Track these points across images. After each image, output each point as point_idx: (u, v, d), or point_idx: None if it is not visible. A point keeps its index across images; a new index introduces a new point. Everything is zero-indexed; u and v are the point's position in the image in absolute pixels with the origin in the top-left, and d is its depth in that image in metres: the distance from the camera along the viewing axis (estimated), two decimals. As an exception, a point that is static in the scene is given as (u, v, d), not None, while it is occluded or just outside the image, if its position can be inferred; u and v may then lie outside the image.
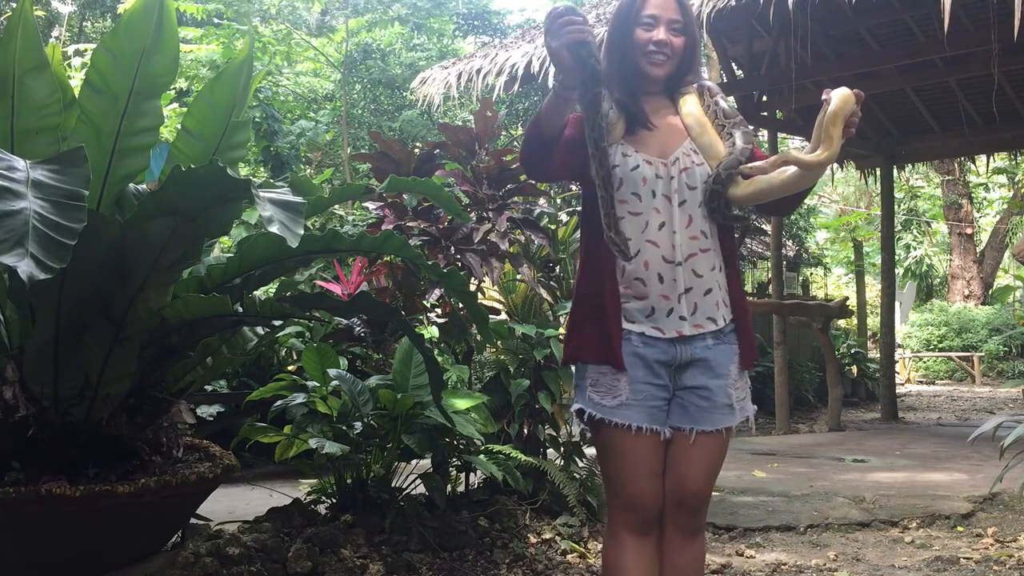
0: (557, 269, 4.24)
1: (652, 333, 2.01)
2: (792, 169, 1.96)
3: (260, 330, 3.17)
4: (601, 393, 2.03)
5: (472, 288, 3.50)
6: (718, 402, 2.03)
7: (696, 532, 2.10)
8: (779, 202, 2.08)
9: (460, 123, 9.42)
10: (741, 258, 13.72)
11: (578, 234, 3.84)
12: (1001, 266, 20.50)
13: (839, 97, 1.89)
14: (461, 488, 3.82)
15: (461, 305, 3.40)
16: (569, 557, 3.44)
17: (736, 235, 2.17)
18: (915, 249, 20.57)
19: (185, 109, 3.82)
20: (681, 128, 2.09)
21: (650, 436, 2.02)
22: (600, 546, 3.46)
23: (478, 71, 7.28)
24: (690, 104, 2.12)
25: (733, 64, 8.13)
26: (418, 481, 3.50)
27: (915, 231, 21.15)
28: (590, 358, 2.04)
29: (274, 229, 2.00)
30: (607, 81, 2.04)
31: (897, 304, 12.23)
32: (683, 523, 2.07)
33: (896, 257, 11.81)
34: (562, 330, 3.66)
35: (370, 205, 3.77)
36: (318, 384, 3.36)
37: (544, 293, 3.90)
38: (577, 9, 1.92)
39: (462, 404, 3.33)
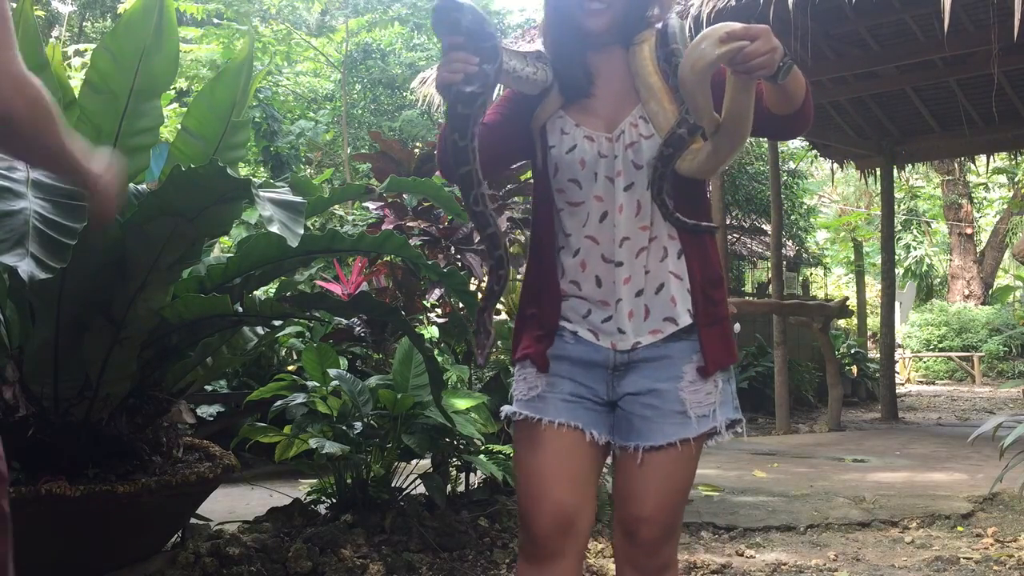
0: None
1: (586, 336, 1.67)
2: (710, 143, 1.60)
3: (260, 330, 3.17)
4: (523, 389, 1.71)
5: (472, 288, 3.50)
6: (666, 409, 1.63)
7: (658, 571, 1.67)
8: (778, 127, 1.66)
9: (460, 123, 9.40)
10: (741, 258, 13.72)
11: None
12: (1001, 266, 20.51)
13: (689, 46, 1.46)
14: (461, 488, 3.82)
15: (461, 305, 3.40)
16: (569, 557, 3.44)
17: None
18: (915, 249, 20.58)
19: (185, 109, 3.82)
20: (634, 90, 1.68)
21: (567, 433, 1.64)
22: (600, 545, 3.46)
23: (478, 71, 7.26)
24: (640, 57, 1.68)
25: (733, 64, 8.12)
26: (418, 481, 3.50)
27: (915, 231, 21.15)
28: (518, 356, 1.73)
29: (274, 229, 2.00)
30: (544, 39, 1.72)
31: (897, 304, 12.24)
32: (638, 560, 1.67)
33: (896, 257, 11.82)
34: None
35: (370, 205, 3.77)
36: (318, 384, 3.36)
37: (544, 293, 3.89)
38: (473, 10, 1.49)
39: (462, 404, 3.33)
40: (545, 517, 1.61)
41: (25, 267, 1.71)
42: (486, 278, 1.73)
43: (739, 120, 1.53)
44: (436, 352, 3.68)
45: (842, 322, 12.25)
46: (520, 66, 1.62)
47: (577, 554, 1.64)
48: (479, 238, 1.74)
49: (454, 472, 3.78)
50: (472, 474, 3.86)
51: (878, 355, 10.00)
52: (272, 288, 3.89)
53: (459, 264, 3.52)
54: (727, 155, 1.61)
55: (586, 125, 1.67)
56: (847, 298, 9.62)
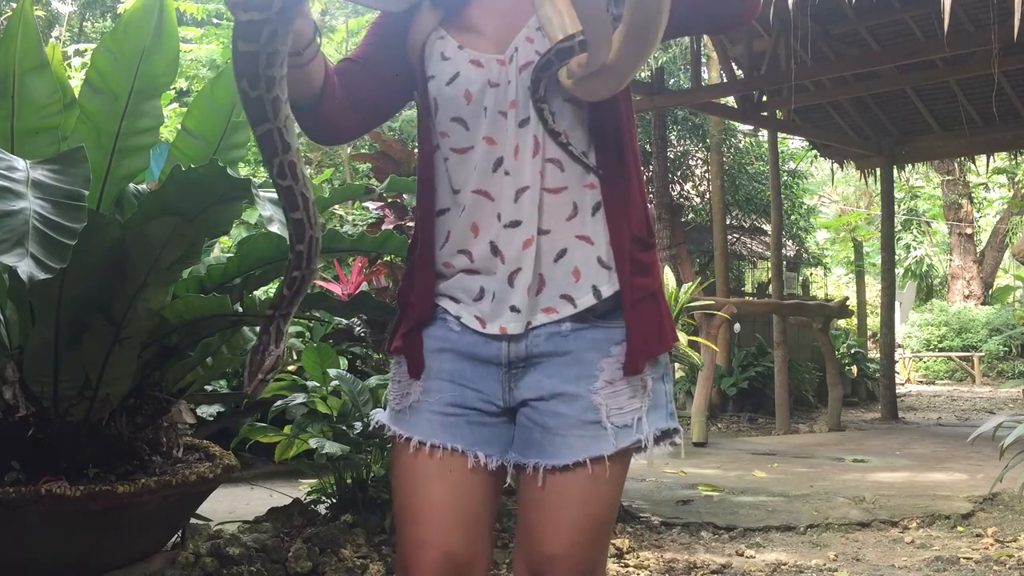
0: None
1: (471, 323, 1.31)
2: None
3: (260, 330, 3.17)
4: (395, 396, 1.38)
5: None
6: (574, 417, 1.27)
7: None
8: (716, 15, 1.29)
9: (460, 123, 9.38)
10: (741, 258, 13.71)
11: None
12: (1001, 266, 20.52)
13: None
14: (461, 488, 3.82)
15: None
16: (569, 557, 3.44)
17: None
18: (915, 249, 20.60)
19: (185, 109, 3.82)
20: None
21: (446, 458, 1.29)
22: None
23: (478, 71, 7.26)
24: None
25: (733, 64, 8.14)
26: (418, 481, 3.50)
27: (915, 231, 21.17)
28: (392, 347, 1.40)
29: (274, 229, 2.00)
30: None
31: (897, 304, 12.24)
32: None
33: (896, 257, 11.82)
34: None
35: (370, 205, 3.77)
36: (318, 384, 3.36)
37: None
38: None
39: (462, 404, 3.33)
40: (427, 572, 1.27)
41: (25, 267, 1.71)
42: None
43: (645, 18, 1.07)
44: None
45: (842, 322, 12.25)
46: None
47: None
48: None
49: (454, 472, 3.78)
50: (472, 474, 3.86)
51: (878, 355, 10.00)
52: (272, 288, 3.89)
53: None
54: (629, 67, 1.17)
55: (472, 46, 1.29)
56: (847, 298, 9.63)
